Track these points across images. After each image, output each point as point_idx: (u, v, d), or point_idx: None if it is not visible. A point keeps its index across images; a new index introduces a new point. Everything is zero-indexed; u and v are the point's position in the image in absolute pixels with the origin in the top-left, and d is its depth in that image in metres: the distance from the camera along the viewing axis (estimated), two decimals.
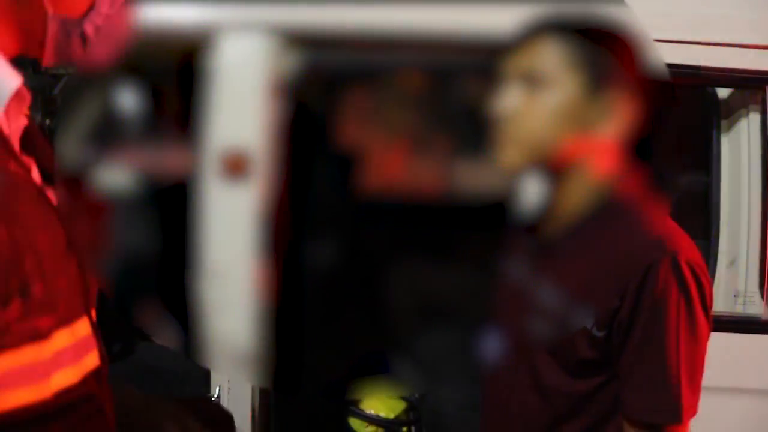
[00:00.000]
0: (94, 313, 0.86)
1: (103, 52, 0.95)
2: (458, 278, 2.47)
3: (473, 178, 2.49)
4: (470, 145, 2.47)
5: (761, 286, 1.74)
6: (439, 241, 2.36)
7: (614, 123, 1.03)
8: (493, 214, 2.08)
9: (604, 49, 1.01)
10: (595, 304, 1.02)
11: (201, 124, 1.62)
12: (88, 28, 0.85)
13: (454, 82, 2.41)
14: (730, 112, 1.84)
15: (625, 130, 1.04)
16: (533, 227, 1.16)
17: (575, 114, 1.03)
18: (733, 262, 1.77)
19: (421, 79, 2.36)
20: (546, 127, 1.04)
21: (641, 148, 1.07)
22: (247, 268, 1.64)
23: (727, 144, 1.83)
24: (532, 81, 1.03)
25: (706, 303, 1.03)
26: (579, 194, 1.07)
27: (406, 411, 2.13)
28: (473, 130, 2.45)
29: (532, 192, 1.58)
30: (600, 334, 1.02)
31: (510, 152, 1.06)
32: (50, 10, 0.81)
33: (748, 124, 1.82)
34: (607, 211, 1.06)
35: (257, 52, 1.65)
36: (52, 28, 0.82)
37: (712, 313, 1.05)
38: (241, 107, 1.65)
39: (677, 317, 1.00)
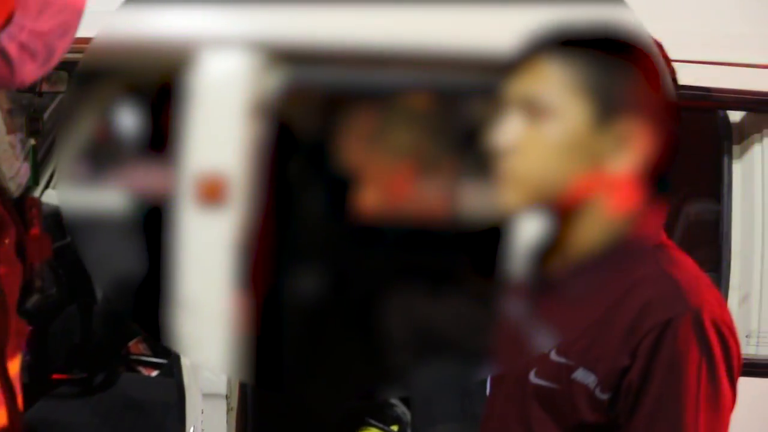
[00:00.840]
0: (15, 363, 0.75)
1: (33, 71, 0.85)
2: (460, 308, 2.38)
3: (480, 202, 2.41)
4: (477, 167, 2.39)
5: None
6: (442, 269, 2.27)
7: (629, 155, 0.90)
8: (498, 240, 2.00)
9: (615, 70, 0.89)
10: (601, 360, 0.91)
11: (177, 146, 1.53)
12: (9, 46, 0.75)
13: (457, 102, 2.34)
14: (743, 137, 1.74)
15: (642, 161, 0.91)
16: (538, 263, 1.04)
17: (584, 147, 0.90)
18: (745, 299, 1.66)
19: (427, 99, 2.29)
20: (550, 164, 0.91)
21: (657, 181, 0.95)
22: (224, 300, 1.54)
23: (739, 170, 1.72)
24: (534, 110, 0.91)
25: (732, 369, 0.91)
26: (590, 232, 0.95)
27: None
28: (480, 152, 2.38)
29: (535, 224, 1.49)
30: (605, 396, 0.91)
31: (511, 191, 0.95)
32: None
33: (762, 150, 1.72)
34: (622, 253, 0.93)
35: (238, 70, 1.56)
36: None
37: (738, 382, 0.92)
38: (219, 128, 1.56)
39: (697, 384, 0.88)
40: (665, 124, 0.89)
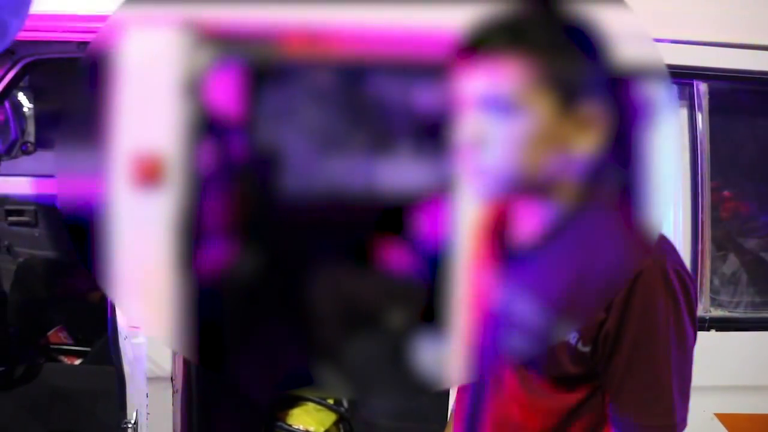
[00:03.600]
0: None
1: None
2: (381, 282, 2.42)
3: (392, 176, 2.44)
4: (388, 142, 2.42)
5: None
6: (361, 243, 2.30)
7: (590, 135, 0.95)
8: (408, 215, 2.04)
9: (572, 57, 0.92)
10: (579, 317, 0.96)
11: (109, 127, 1.49)
12: None
13: (371, 78, 2.36)
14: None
15: (601, 139, 0.96)
16: (505, 235, 1.08)
17: (550, 136, 0.93)
18: None
19: (334, 76, 2.30)
20: (518, 156, 0.94)
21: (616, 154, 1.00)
22: (163, 282, 1.52)
23: (654, 139, 1.81)
24: (499, 106, 0.91)
25: (693, 310, 0.98)
26: (553, 204, 1.00)
27: (336, 423, 2.04)
28: (391, 127, 2.41)
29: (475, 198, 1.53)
30: (586, 349, 0.97)
31: (481, 182, 0.97)
32: None
33: (677, 120, 1.80)
34: (585, 221, 0.99)
35: (168, 49, 1.53)
36: None
37: (697, 321, 1.00)
38: (152, 108, 1.53)
39: (666, 327, 0.95)
40: (621, 103, 0.95)
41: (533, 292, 1.01)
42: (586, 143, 0.95)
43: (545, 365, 1.00)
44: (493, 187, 0.96)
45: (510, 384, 1.05)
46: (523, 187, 0.97)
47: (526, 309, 1.01)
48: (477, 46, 0.93)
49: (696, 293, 1.02)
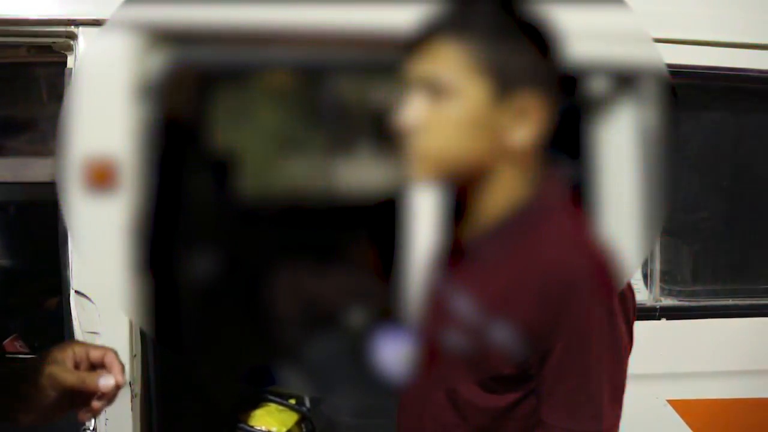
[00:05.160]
0: None
1: None
2: (341, 280, 2.43)
3: (351, 177, 2.45)
4: (346, 142, 2.43)
5: (644, 274, 1.77)
6: (320, 243, 2.31)
7: (528, 126, 0.95)
8: (374, 213, 2.05)
9: (511, 47, 0.92)
10: (513, 317, 0.95)
11: (62, 130, 1.48)
12: None
13: (328, 79, 2.36)
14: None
15: (539, 131, 0.96)
16: (450, 232, 1.08)
17: (484, 123, 0.93)
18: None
19: (289, 78, 2.29)
20: (453, 141, 0.94)
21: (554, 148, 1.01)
22: (119, 286, 1.51)
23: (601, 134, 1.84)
24: (435, 91, 0.93)
25: (629, 316, 0.97)
26: (496, 200, 0.99)
27: (298, 423, 2.05)
28: (348, 128, 2.43)
29: (431, 195, 1.54)
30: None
31: (419, 166, 0.97)
32: None
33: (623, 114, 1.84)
34: (526, 218, 0.98)
35: (121, 50, 1.53)
36: None
37: (634, 327, 0.99)
38: (105, 111, 1.53)
39: (600, 333, 0.94)
40: (558, 95, 0.96)
41: (470, 289, 1.00)
42: (522, 133, 0.95)
43: (479, 364, 0.98)
44: (428, 172, 0.97)
45: (444, 384, 1.03)
46: (459, 174, 0.97)
47: (463, 306, 1.00)
48: (422, 36, 0.95)
49: (634, 302, 1.00)
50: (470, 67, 0.92)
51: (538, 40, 0.94)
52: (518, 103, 0.93)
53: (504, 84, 0.92)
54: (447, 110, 0.93)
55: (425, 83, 0.94)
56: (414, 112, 0.94)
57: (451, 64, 0.92)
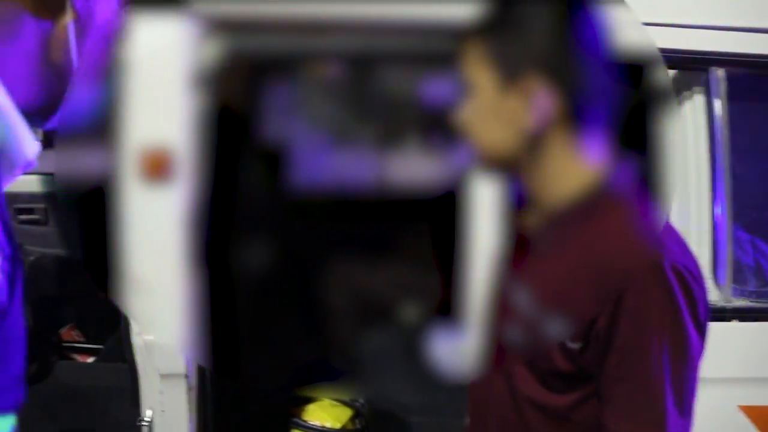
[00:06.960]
0: None
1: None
2: (395, 274, 2.40)
3: (403, 169, 2.42)
4: (398, 135, 2.40)
5: (714, 273, 1.70)
6: (373, 237, 2.28)
7: (538, 110, 0.92)
8: (428, 207, 2.02)
9: (516, 37, 0.93)
10: (570, 311, 0.92)
11: (117, 121, 1.47)
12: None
13: (380, 70, 2.33)
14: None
15: (554, 115, 0.93)
16: (515, 222, 1.07)
17: (496, 112, 0.95)
18: None
19: (337, 69, 2.27)
20: (486, 133, 0.97)
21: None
22: (175, 277, 1.50)
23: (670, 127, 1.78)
24: (466, 89, 0.97)
25: (698, 315, 0.91)
26: (554, 191, 0.97)
27: (352, 419, 2.03)
28: (400, 120, 2.39)
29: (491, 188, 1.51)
30: (575, 345, 0.91)
31: (477, 160, 1.01)
32: None
33: (693, 107, 1.77)
34: (590, 207, 0.94)
35: (176, 40, 1.51)
36: None
37: (707, 327, 0.94)
38: (160, 101, 1.51)
39: (661, 330, 0.89)
40: (571, 79, 0.92)
41: (533, 282, 0.98)
42: (535, 117, 0.93)
43: (539, 360, 0.95)
44: (484, 165, 1.01)
45: (507, 382, 1.00)
46: (506, 164, 0.98)
47: (524, 297, 0.98)
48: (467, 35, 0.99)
49: (705, 300, 0.94)
50: (480, 62, 0.95)
51: (540, 26, 0.94)
52: (524, 87, 0.93)
53: (507, 71, 0.94)
54: (473, 106, 0.97)
55: (463, 83, 0.98)
56: (459, 110, 0.98)
57: (470, 63, 0.96)
